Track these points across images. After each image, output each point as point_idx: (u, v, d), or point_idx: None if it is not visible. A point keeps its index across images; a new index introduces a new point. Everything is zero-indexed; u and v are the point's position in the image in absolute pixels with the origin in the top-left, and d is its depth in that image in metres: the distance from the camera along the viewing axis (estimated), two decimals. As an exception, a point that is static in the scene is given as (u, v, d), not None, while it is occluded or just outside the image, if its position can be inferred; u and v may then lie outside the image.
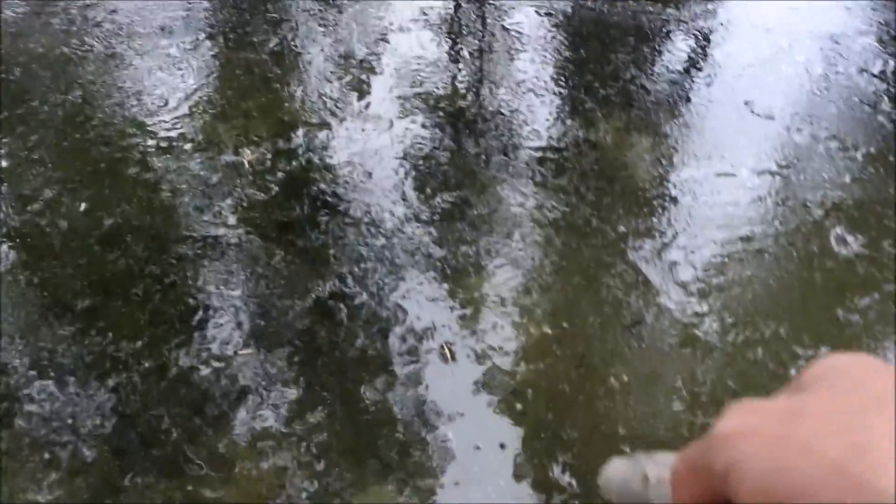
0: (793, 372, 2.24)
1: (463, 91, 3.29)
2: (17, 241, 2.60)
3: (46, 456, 2.02)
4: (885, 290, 2.46)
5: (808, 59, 3.53)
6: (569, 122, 3.12)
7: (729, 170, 2.91)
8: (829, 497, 0.30)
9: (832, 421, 0.33)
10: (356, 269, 2.48)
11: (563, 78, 3.37)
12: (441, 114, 3.15)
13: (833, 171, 2.93)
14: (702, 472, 0.37)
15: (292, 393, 2.14)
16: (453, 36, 3.57)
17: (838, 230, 2.67)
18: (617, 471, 0.50)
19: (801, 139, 3.08)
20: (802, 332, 2.34)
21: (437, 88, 3.28)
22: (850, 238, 2.64)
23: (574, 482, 1.94)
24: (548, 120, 3.12)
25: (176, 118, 3.11)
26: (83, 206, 2.71)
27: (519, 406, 2.10)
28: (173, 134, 3.02)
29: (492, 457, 2.00)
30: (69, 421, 2.08)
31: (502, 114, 3.16)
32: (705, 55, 3.57)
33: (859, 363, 0.36)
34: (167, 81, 3.31)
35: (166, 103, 3.18)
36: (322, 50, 3.49)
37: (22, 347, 2.26)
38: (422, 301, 2.38)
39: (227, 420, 2.09)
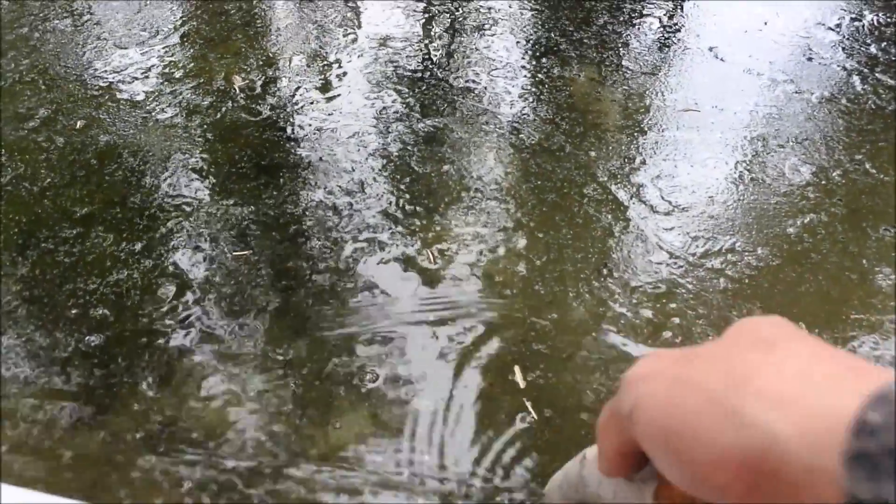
0: (746, 280, 2.44)
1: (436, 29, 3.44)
2: (16, 154, 2.69)
3: (47, 341, 2.14)
4: (833, 212, 2.68)
5: (770, 13, 3.74)
6: (544, 60, 3.28)
7: (692, 106, 3.10)
8: (707, 426, 0.31)
9: (718, 359, 0.34)
10: (343, 184, 2.63)
11: (539, 21, 3.53)
12: (425, 49, 3.29)
13: (789, 110, 3.14)
14: (617, 418, 0.39)
15: (283, 283, 2.29)
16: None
17: (793, 160, 2.88)
18: (560, 472, 0.51)
19: (761, 82, 3.28)
20: (757, 246, 2.54)
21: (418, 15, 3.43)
22: (803, 168, 2.85)
23: (545, 367, 2.13)
24: (524, 58, 3.28)
25: (166, 47, 3.21)
26: (80, 123, 2.81)
27: (500, 301, 2.28)
28: (165, 61, 3.13)
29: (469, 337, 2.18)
30: (72, 313, 2.21)
31: (478, 49, 3.32)
32: (675, 6, 3.75)
33: (766, 321, 0.36)
34: (156, 14, 3.40)
35: (157, 33, 3.28)
36: (308, -11, 3.62)
37: (23, 246, 2.38)
38: (408, 211, 2.54)
39: (230, 307, 2.23)
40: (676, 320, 2.29)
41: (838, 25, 3.68)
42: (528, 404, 2.03)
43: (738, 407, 0.30)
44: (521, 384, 2.09)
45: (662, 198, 2.67)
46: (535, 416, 2.00)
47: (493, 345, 2.17)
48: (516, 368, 2.13)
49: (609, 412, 0.40)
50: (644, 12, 3.67)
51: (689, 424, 0.32)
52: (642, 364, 0.38)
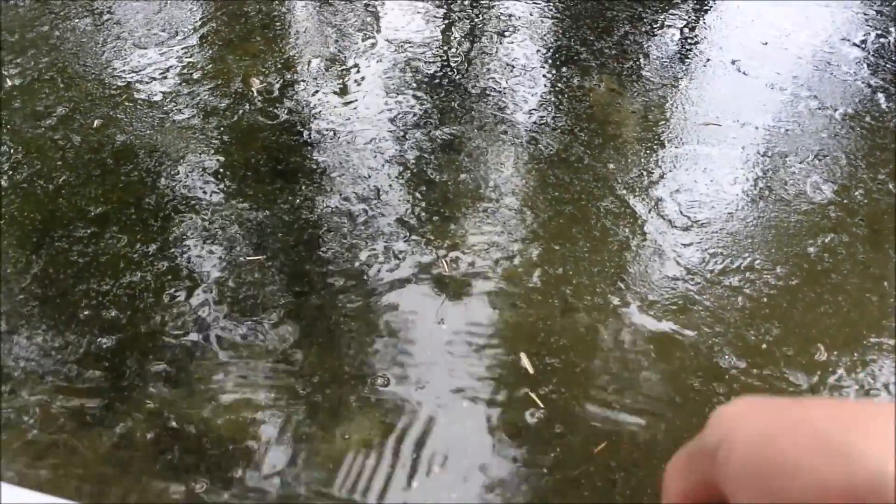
0: (765, 299, 2.40)
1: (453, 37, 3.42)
2: (32, 152, 2.69)
3: (59, 341, 2.13)
4: (854, 232, 2.63)
5: (793, 27, 3.69)
6: (564, 69, 3.26)
7: (714, 120, 3.06)
8: (809, 460, 0.30)
9: (826, 405, 0.32)
10: (359, 190, 2.61)
11: (559, 29, 3.50)
12: (444, 55, 3.27)
13: (811, 126, 3.09)
14: (696, 457, 0.37)
15: (296, 287, 2.27)
16: (455, -13, 3.69)
17: (814, 178, 2.83)
18: None
19: (784, 97, 3.24)
20: (776, 265, 2.50)
21: (437, 28, 3.41)
22: (824, 186, 2.81)
23: (553, 367, 2.10)
24: (544, 66, 3.26)
25: (185, 48, 3.20)
26: (97, 122, 2.81)
27: (514, 313, 2.25)
28: (184, 62, 3.12)
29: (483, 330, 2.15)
30: (84, 314, 2.20)
31: (497, 56, 3.29)
32: (697, 18, 3.72)
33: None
34: (176, 14, 3.40)
35: (176, 34, 3.28)
36: (328, -7, 3.61)
37: (37, 245, 2.37)
38: (423, 219, 2.52)
39: (243, 311, 2.21)
40: (693, 336, 2.25)
41: (863, 42, 3.63)
42: (535, 397, 2.01)
43: (849, 443, 0.29)
44: (530, 370, 2.10)
45: (681, 212, 2.63)
46: (544, 409, 1.98)
47: (506, 356, 2.14)
48: (522, 355, 2.12)
49: (686, 453, 0.38)
50: (666, 23, 3.63)
51: (789, 457, 0.31)
52: (737, 403, 0.36)
